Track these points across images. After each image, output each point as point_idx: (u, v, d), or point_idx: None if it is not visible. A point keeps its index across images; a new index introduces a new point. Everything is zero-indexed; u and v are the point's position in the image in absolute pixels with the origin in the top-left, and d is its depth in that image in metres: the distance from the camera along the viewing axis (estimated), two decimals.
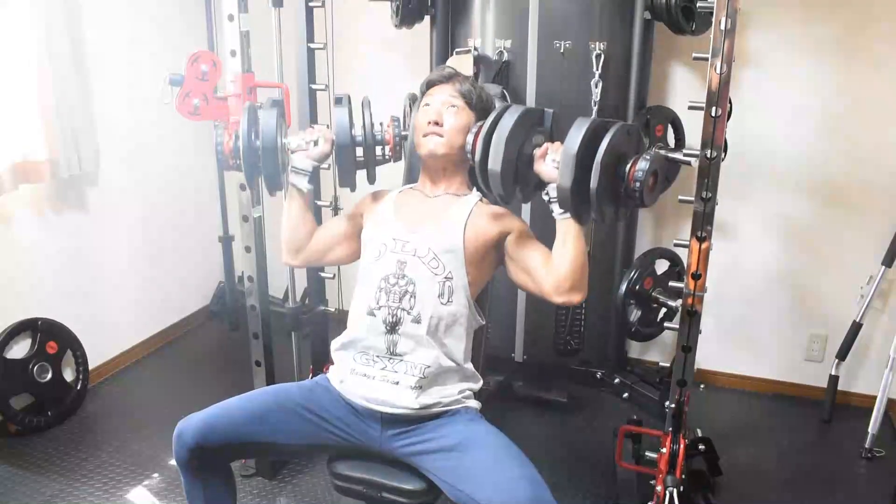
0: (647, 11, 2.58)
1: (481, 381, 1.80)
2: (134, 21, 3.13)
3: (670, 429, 2.03)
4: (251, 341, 2.36)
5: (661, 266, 2.55)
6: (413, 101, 2.05)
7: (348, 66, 2.62)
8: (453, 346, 1.72)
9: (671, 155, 2.39)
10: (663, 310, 2.50)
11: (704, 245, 1.85)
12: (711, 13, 1.72)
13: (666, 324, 2.23)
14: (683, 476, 2.04)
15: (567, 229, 1.64)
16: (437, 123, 1.79)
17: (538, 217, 2.66)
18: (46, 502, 2.35)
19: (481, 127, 1.70)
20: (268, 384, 2.35)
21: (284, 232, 1.90)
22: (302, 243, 1.91)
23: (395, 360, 1.69)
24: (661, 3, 2.50)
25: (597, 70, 2.59)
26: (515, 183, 1.68)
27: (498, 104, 1.84)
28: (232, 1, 2.07)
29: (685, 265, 1.93)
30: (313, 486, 2.45)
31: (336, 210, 2.47)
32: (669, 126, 2.69)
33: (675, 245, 1.97)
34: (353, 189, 1.89)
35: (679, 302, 1.98)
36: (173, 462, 1.72)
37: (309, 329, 2.64)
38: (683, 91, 2.91)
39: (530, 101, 2.66)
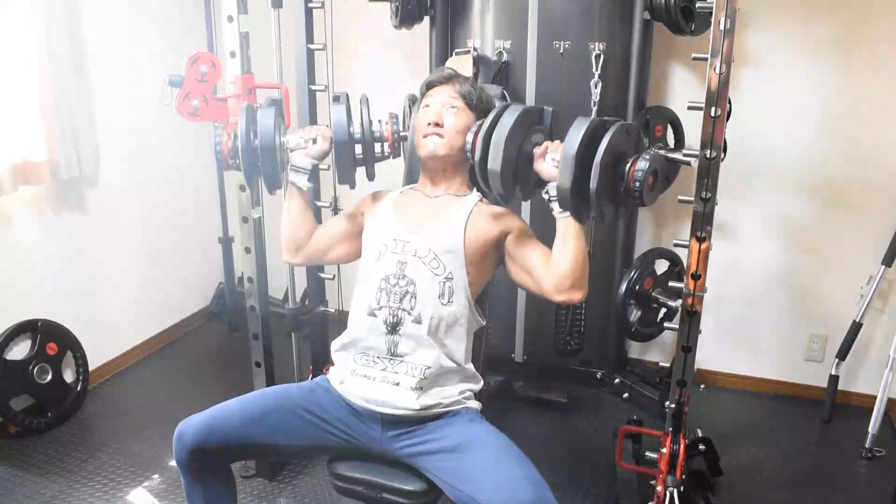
0: (647, 12, 2.58)
1: (482, 382, 1.80)
2: (134, 21, 3.14)
3: (670, 429, 2.03)
4: (251, 342, 2.36)
5: (661, 266, 2.55)
6: (413, 102, 2.05)
7: (348, 66, 2.62)
8: (454, 347, 1.72)
9: (671, 155, 2.39)
10: (663, 310, 2.50)
11: (704, 245, 1.85)
12: (710, 13, 1.72)
13: (666, 324, 2.23)
14: (684, 476, 2.04)
15: (567, 228, 1.64)
16: (437, 124, 1.79)
17: (538, 216, 2.66)
18: (46, 503, 2.35)
19: (481, 126, 1.70)
20: (268, 385, 2.35)
21: (284, 230, 1.91)
22: (302, 242, 1.91)
23: (395, 360, 1.69)
24: (661, 4, 2.50)
25: (596, 70, 2.59)
26: (515, 182, 1.68)
27: (497, 104, 1.84)
28: (231, 2, 2.07)
29: (685, 265, 1.93)
30: (313, 487, 2.45)
31: (336, 210, 2.47)
32: (669, 126, 2.69)
33: (675, 245, 1.97)
34: (352, 186, 1.89)
35: (679, 302, 1.98)
36: (173, 463, 1.73)
37: (309, 330, 2.64)
38: (683, 91, 2.92)
39: (530, 101, 2.66)
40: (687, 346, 1.95)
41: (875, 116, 2.74)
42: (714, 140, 1.77)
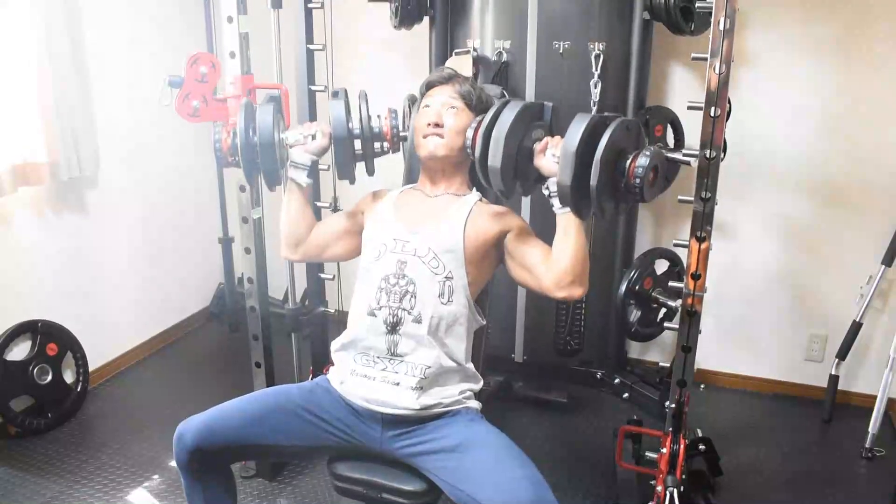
0: (646, 12, 2.58)
1: (482, 382, 1.80)
2: (134, 21, 3.14)
3: (670, 429, 2.03)
4: (251, 343, 2.36)
5: (661, 266, 2.54)
6: (412, 102, 2.05)
7: (347, 67, 2.62)
8: (454, 346, 1.72)
9: (671, 155, 2.38)
10: (663, 310, 2.50)
11: (704, 245, 1.85)
12: (710, 13, 1.72)
13: (666, 324, 2.23)
14: (684, 476, 2.04)
15: (567, 223, 1.64)
16: (436, 125, 1.79)
17: (538, 214, 2.66)
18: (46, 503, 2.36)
19: (481, 122, 1.69)
20: (268, 385, 2.35)
21: (283, 226, 1.91)
22: (301, 237, 1.91)
23: (395, 360, 1.69)
24: (660, 4, 2.50)
25: (596, 70, 2.59)
26: (515, 178, 1.68)
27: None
28: (231, 3, 2.07)
29: (685, 265, 1.93)
30: (314, 488, 2.45)
31: (336, 210, 2.47)
32: (668, 126, 2.69)
33: (675, 245, 1.97)
34: (352, 182, 1.89)
35: (679, 302, 1.97)
36: (173, 464, 1.73)
37: (309, 330, 2.64)
38: (682, 91, 2.92)
39: (529, 100, 2.66)
40: (687, 346, 1.94)
41: (875, 116, 2.74)
42: (714, 140, 1.77)
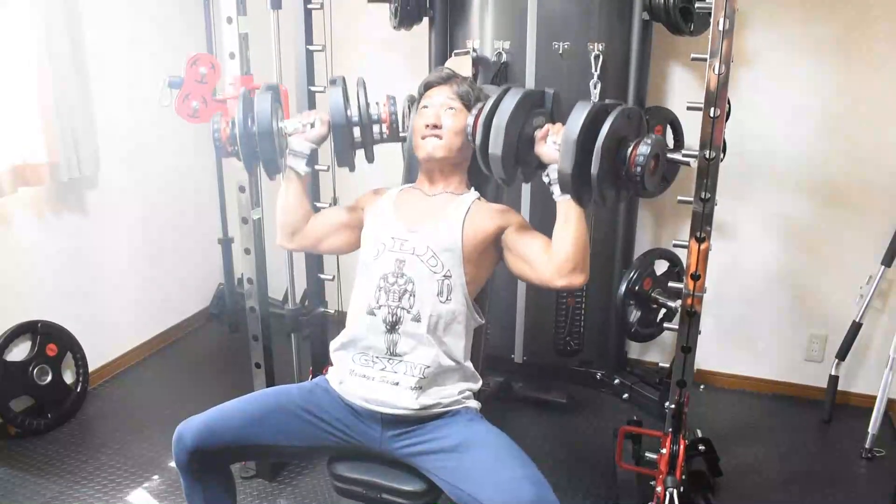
0: (646, 12, 2.58)
1: (480, 381, 1.80)
2: (134, 21, 3.14)
3: (670, 429, 2.03)
4: (251, 343, 2.36)
5: (661, 266, 2.55)
6: (412, 102, 2.05)
7: (347, 67, 2.61)
8: (453, 345, 1.72)
9: (670, 156, 2.38)
10: (663, 310, 2.50)
11: (704, 246, 1.85)
12: (709, 14, 1.72)
13: (665, 324, 2.23)
14: (683, 477, 2.04)
15: (567, 210, 1.63)
16: (435, 126, 1.79)
17: (538, 209, 2.67)
18: None
19: (481, 110, 1.68)
20: (267, 386, 2.35)
21: (280, 214, 1.90)
22: (297, 226, 1.90)
23: (394, 360, 1.69)
24: (660, 4, 2.50)
25: (595, 71, 2.59)
26: (516, 165, 1.67)
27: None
28: (230, 3, 2.07)
29: (684, 266, 1.93)
30: (314, 488, 2.45)
31: None
32: (668, 126, 2.69)
33: (675, 245, 1.97)
34: (351, 169, 1.88)
35: (678, 302, 1.97)
36: (173, 464, 1.72)
37: (308, 331, 2.64)
38: (682, 91, 2.92)
39: None
40: (686, 347, 1.94)
41: (875, 116, 2.74)
42: (713, 140, 1.77)
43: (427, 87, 1.88)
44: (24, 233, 2.75)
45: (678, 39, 2.64)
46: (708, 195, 1.81)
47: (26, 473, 2.50)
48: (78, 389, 2.89)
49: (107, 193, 3.06)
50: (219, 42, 2.45)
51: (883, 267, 2.74)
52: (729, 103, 1.83)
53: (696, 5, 1.95)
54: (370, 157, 1.90)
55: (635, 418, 2.41)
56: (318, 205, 2.47)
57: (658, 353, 3.22)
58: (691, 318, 1.91)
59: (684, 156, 1.87)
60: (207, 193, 3.59)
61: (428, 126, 1.80)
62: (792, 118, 2.83)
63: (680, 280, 1.97)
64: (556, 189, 1.65)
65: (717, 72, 1.73)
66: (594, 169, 1.54)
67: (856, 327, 2.80)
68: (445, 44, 2.81)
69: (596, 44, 2.59)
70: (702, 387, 3.09)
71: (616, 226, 2.90)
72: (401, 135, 1.90)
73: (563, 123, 1.59)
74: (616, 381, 3.01)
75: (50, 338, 2.78)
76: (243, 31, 2.10)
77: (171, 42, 3.27)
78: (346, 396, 1.74)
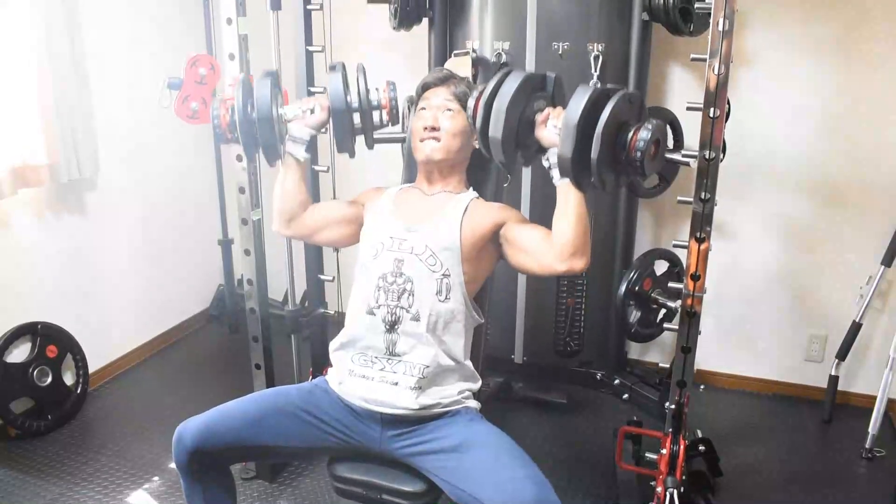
0: (645, 12, 2.58)
1: (480, 382, 1.81)
2: (134, 22, 3.14)
3: (670, 430, 2.03)
4: (251, 344, 2.36)
5: (661, 267, 2.54)
6: (411, 103, 2.05)
7: (347, 68, 2.62)
8: (452, 343, 1.72)
9: (670, 156, 2.38)
10: (663, 311, 2.50)
11: (703, 246, 1.85)
12: (709, 14, 1.72)
13: (665, 325, 2.23)
14: (684, 477, 2.04)
15: (567, 195, 1.63)
16: (433, 128, 1.79)
17: (538, 207, 2.66)
18: None
19: (482, 92, 1.68)
20: (267, 387, 2.35)
21: (277, 200, 1.89)
22: (295, 213, 1.89)
23: (393, 360, 1.69)
24: (659, 4, 2.50)
25: (595, 71, 2.59)
26: (516, 149, 1.66)
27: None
28: (230, 4, 2.07)
29: (684, 266, 1.93)
30: (314, 489, 2.45)
31: None
32: (668, 127, 2.68)
33: (675, 246, 1.97)
34: (351, 155, 1.88)
35: (678, 303, 1.97)
36: (173, 465, 1.72)
37: (308, 332, 2.64)
38: (682, 92, 2.92)
39: None
40: (686, 347, 1.94)
41: (875, 116, 2.73)
42: (713, 141, 1.77)
43: (425, 88, 1.88)
44: (24, 234, 2.75)
45: (678, 40, 2.64)
46: (707, 195, 1.81)
47: (26, 475, 2.50)
48: (78, 391, 2.89)
49: (107, 194, 3.06)
50: (218, 43, 2.45)
51: (883, 267, 2.74)
52: (728, 103, 1.83)
53: (696, 6, 1.96)
54: (370, 144, 1.89)
55: (635, 418, 2.41)
56: None
57: (658, 353, 3.22)
58: (691, 319, 1.91)
59: (684, 156, 1.88)
60: (207, 194, 3.59)
61: (426, 128, 1.80)
62: (792, 118, 2.83)
63: (680, 280, 1.97)
64: (555, 173, 1.65)
65: (716, 72, 1.73)
66: (594, 153, 1.54)
67: (856, 327, 2.80)
68: (445, 44, 2.81)
69: (595, 44, 2.59)
70: (702, 387, 3.09)
71: (616, 226, 2.90)
72: (400, 135, 1.90)
73: (564, 108, 1.59)
74: (616, 381, 3.01)
75: (50, 339, 2.78)
76: (243, 32, 2.10)
77: (171, 42, 3.27)
78: (345, 397, 1.74)
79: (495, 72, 2.61)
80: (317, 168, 2.45)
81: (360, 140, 1.91)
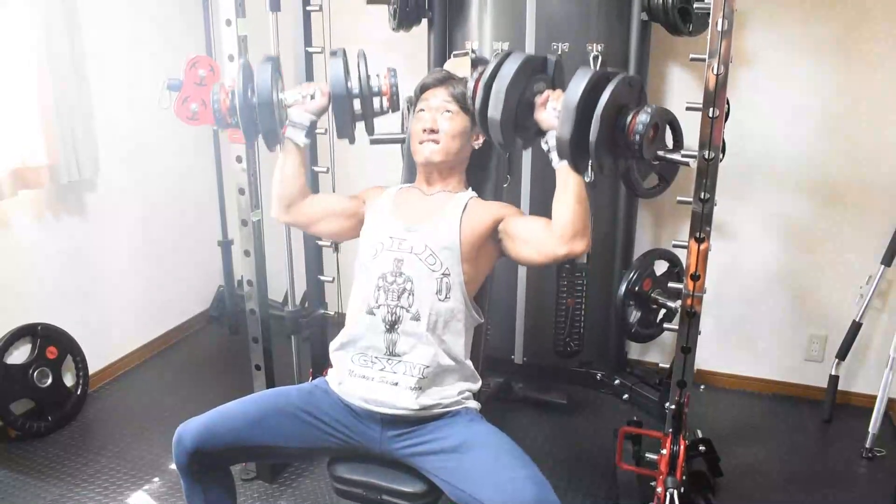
0: (644, 13, 2.58)
1: (480, 382, 1.81)
2: (134, 22, 3.14)
3: (670, 430, 2.03)
4: (251, 345, 2.36)
5: (661, 267, 2.54)
6: (410, 104, 2.05)
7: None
8: (452, 343, 1.72)
9: (669, 156, 2.38)
10: (663, 311, 2.50)
11: (703, 246, 1.85)
12: (708, 14, 1.72)
13: (665, 325, 2.23)
14: (684, 477, 2.04)
15: (566, 177, 1.63)
16: (432, 131, 1.79)
17: (538, 206, 2.66)
18: None
19: (482, 73, 1.67)
20: (267, 388, 2.35)
21: (276, 186, 1.88)
22: (293, 199, 1.89)
23: (393, 360, 1.69)
24: (658, 5, 2.50)
25: None
26: (515, 131, 1.66)
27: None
28: (229, 6, 2.07)
29: (684, 266, 1.93)
30: (314, 490, 2.45)
31: None
32: (667, 127, 2.68)
33: (674, 246, 1.97)
34: (351, 141, 1.87)
35: (678, 303, 1.97)
36: (173, 466, 1.72)
37: (308, 332, 2.64)
38: (681, 92, 2.92)
39: None
40: (686, 347, 1.94)
41: (875, 116, 2.74)
42: (712, 141, 1.77)
43: (423, 89, 1.88)
44: (24, 235, 2.75)
45: (677, 40, 2.64)
46: (707, 195, 1.81)
47: (26, 476, 2.50)
48: (78, 392, 2.89)
49: (106, 195, 3.06)
50: (218, 44, 2.45)
51: (883, 267, 2.74)
52: (728, 103, 1.83)
53: (695, 6, 1.96)
54: (370, 129, 1.89)
55: (635, 419, 2.41)
56: None
57: (658, 353, 3.22)
58: (691, 319, 1.91)
59: (683, 156, 1.87)
60: (207, 195, 3.59)
61: (425, 131, 1.80)
62: (792, 118, 2.83)
63: (680, 280, 1.97)
64: (554, 156, 1.64)
65: (715, 72, 1.73)
66: (593, 135, 1.53)
67: (856, 327, 2.80)
68: (444, 45, 2.82)
69: (595, 44, 2.59)
70: (702, 387, 3.09)
71: (616, 226, 2.90)
72: (401, 135, 1.90)
73: (564, 91, 1.58)
74: (616, 381, 3.01)
75: (50, 340, 2.78)
76: (242, 33, 2.10)
77: (171, 43, 3.27)
78: (345, 397, 1.74)
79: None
80: (316, 169, 2.45)
81: (360, 142, 1.91)
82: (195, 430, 1.65)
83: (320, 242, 2.54)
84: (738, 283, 3.03)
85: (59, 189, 2.81)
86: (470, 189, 1.87)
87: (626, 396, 2.97)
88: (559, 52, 2.61)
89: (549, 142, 1.64)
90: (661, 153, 2.31)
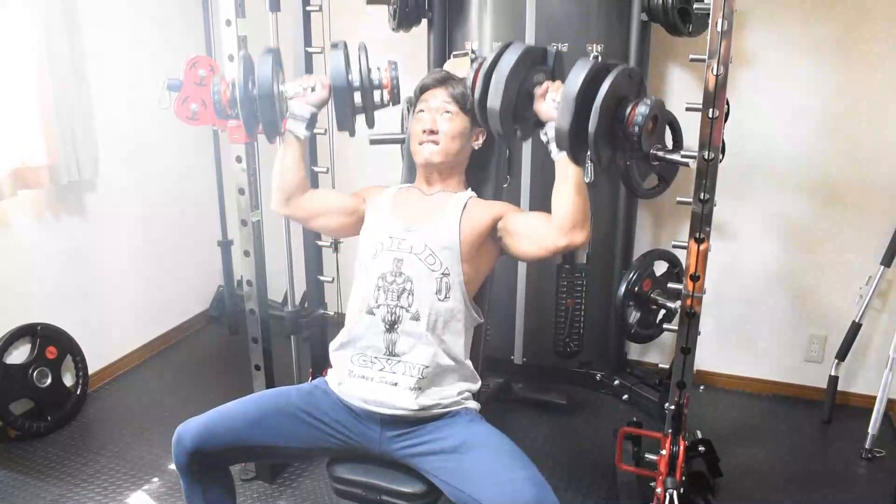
0: (644, 13, 2.58)
1: (479, 382, 1.81)
2: (134, 22, 3.14)
3: (670, 430, 2.03)
4: (250, 345, 2.36)
5: (660, 267, 2.54)
6: (410, 105, 2.05)
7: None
8: (452, 342, 1.72)
9: (669, 157, 2.38)
10: (662, 311, 2.50)
11: (703, 246, 1.85)
12: (708, 14, 1.72)
13: (665, 325, 2.23)
14: (683, 478, 2.04)
15: (565, 169, 1.63)
16: (432, 131, 1.79)
17: (538, 206, 2.66)
18: None
19: (482, 63, 1.67)
20: (267, 388, 2.35)
21: (276, 178, 1.88)
22: (292, 192, 1.88)
23: (393, 360, 1.69)
24: (658, 5, 2.50)
25: None
26: (514, 121, 1.66)
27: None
28: (229, 6, 2.07)
29: (684, 266, 1.93)
30: (313, 490, 2.45)
31: None
32: (667, 127, 2.68)
33: (674, 246, 1.97)
34: (352, 134, 1.87)
35: (678, 303, 1.97)
36: (173, 466, 1.72)
37: (308, 333, 2.64)
38: (681, 92, 2.92)
39: None
40: (686, 348, 1.94)
41: (875, 116, 2.73)
42: (712, 141, 1.77)
43: (423, 89, 1.88)
44: (24, 235, 2.75)
45: (676, 40, 2.64)
46: (707, 196, 1.81)
47: (26, 476, 2.50)
48: (78, 392, 2.89)
49: (106, 195, 3.06)
50: (218, 44, 2.45)
51: (882, 267, 2.74)
52: (728, 104, 1.83)
53: (695, 6, 1.95)
54: (370, 122, 1.89)
55: (635, 419, 2.40)
56: None
57: (658, 353, 3.22)
58: (691, 319, 1.91)
59: (683, 157, 1.87)
60: (207, 195, 3.59)
61: (425, 132, 1.80)
62: (792, 118, 2.83)
63: (679, 281, 1.97)
64: (553, 147, 1.64)
65: (715, 73, 1.73)
66: (592, 126, 1.53)
67: (855, 327, 2.80)
68: (444, 45, 2.81)
69: (595, 45, 2.59)
70: (702, 388, 3.09)
71: (615, 227, 2.90)
72: (401, 136, 1.90)
73: (564, 82, 1.58)
74: (616, 382, 3.01)
75: (50, 340, 2.78)
76: (242, 33, 2.10)
77: (171, 43, 3.27)
78: (344, 398, 1.74)
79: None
80: (316, 169, 2.45)
81: (360, 142, 1.91)
82: (195, 431, 1.65)
83: (320, 243, 2.54)
84: (738, 284, 3.03)
85: (59, 189, 2.81)
86: (469, 189, 1.87)
87: (625, 397, 2.97)
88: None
89: (548, 133, 1.64)
90: (660, 154, 2.31)
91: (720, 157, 1.81)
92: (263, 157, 2.24)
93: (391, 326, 1.69)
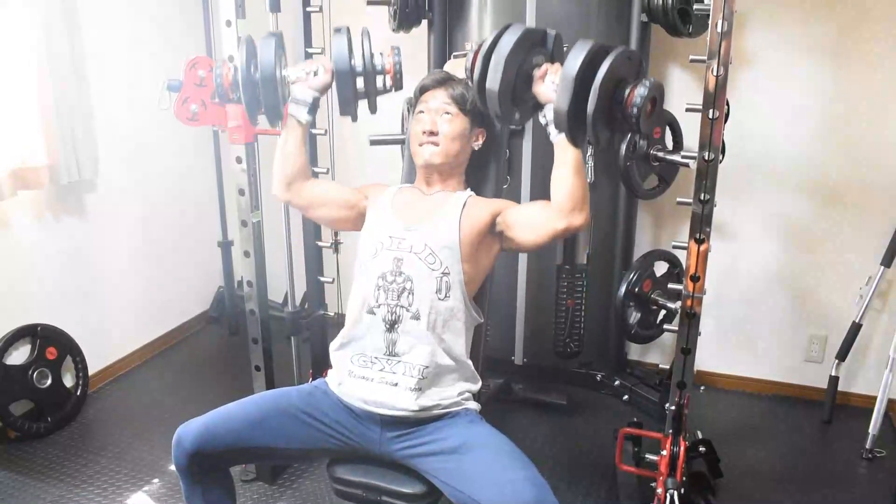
0: (644, 14, 2.58)
1: (480, 382, 1.80)
2: (134, 22, 3.14)
3: (670, 431, 2.03)
4: (251, 346, 2.36)
5: (661, 268, 2.55)
6: (409, 105, 2.05)
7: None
8: (452, 342, 1.72)
9: (669, 157, 2.38)
10: (662, 312, 2.50)
11: (703, 247, 1.85)
12: (708, 15, 1.72)
13: (665, 326, 2.23)
14: (684, 478, 2.04)
15: (564, 151, 1.63)
16: (432, 133, 1.79)
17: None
18: None
19: (481, 45, 1.67)
20: (267, 389, 2.35)
21: (277, 163, 1.88)
22: (293, 178, 1.87)
23: (392, 360, 1.69)
24: (658, 6, 2.50)
25: None
26: (513, 103, 1.66)
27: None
28: (229, 6, 2.07)
29: (684, 267, 1.93)
30: (314, 491, 2.45)
31: None
32: (667, 128, 2.68)
33: (674, 247, 1.97)
34: (354, 119, 1.86)
35: (678, 304, 1.98)
36: (173, 467, 1.72)
37: (308, 333, 2.64)
38: (681, 92, 2.91)
39: None
40: (686, 348, 1.95)
41: (875, 116, 2.74)
42: (712, 142, 1.78)
43: (423, 90, 1.88)
44: (24, 235, 2.75)
45: (676, 41, 2.64)
46: (707, 196, 1.81)
47: (26, 477, 2.50)
48: (78, 393, 2.89)
49: (106, 196, 3.06)
50: (218, 44, 2.45)
51: (882, 267, 2.74)
52: (728, 104, 1.83)
53: (695, 7, 1.95)
54: (373, 108, 1.88)
55: (635, 420, 2.40)
56: None
57: (658, 354, 3.22)
58: (691, 320, 1.92)
59: (683, 157, 1.88)
60: (207, 196, 3.59)
61: (425, 133, 1.80)
62: (792, 118, 2.83)
63: (680, 281, 1.97)
64: (552, 129, 1.64)
65: (715, 73, 1.73)
66: (590, 107, 1.53)
67: (856, 328, 2.80)
68: (444, 46, 2.81)
69: None
70: (702, 388, 3.09)
71: (616, 227, 2.90)
72: (401, 136, 1.89)
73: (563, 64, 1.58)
74: (616, 382, 3.01)
75: (50, 341, 2.78)
76: (242, 34, 2.09)
77: (171, 43, 3.27)
78: (345, 398, 1.74)
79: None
80: (316, 169, 2.44)
81: (360, 142, 1.90)
82: (195, 432, 1.64)
83: (320, 243, 2.54)
84: (738, 284, 3.03)
85: (59, 189, 2.81)
86: (468, 189, 1.87)
87: (626, 397, 2.97)
88: None
89: (547, 115, 1.64)
90: (660, 154, 2.32)
91: (720, 157, 1.82)
92: (263, 157, 2.24)
93: (392, 326, 1.69)
